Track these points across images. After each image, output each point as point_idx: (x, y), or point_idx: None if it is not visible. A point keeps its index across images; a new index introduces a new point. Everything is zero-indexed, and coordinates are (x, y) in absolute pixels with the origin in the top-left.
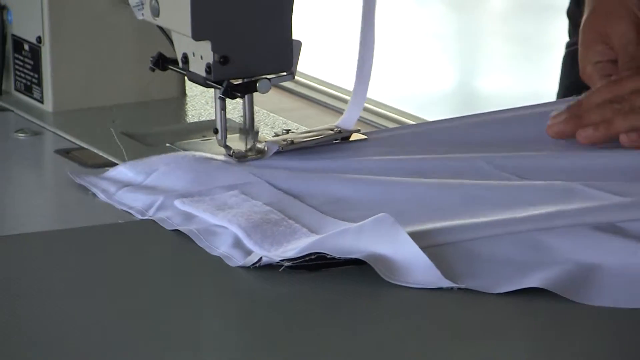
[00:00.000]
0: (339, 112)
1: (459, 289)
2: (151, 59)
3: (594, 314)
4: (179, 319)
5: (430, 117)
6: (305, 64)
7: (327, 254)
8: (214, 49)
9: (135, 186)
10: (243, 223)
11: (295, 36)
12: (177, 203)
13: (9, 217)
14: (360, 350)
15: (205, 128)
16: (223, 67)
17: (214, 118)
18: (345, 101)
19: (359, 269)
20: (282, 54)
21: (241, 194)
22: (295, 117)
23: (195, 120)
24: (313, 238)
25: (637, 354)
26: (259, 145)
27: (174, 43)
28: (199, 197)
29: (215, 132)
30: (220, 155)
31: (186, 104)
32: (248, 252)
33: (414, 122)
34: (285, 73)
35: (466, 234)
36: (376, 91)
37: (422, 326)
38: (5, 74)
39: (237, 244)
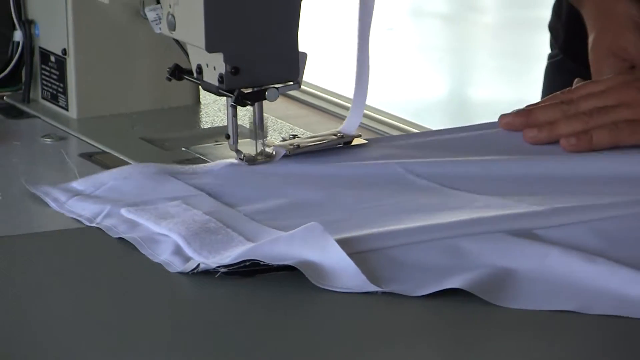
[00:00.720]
0: (342, 118)
1: (384, 292)
2: (168, 69)
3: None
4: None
5: (425, 123)
6: (310, 74)
7: (260, 261)
8: (226, 61)
9: (84, 195)
10: (183, 231)
11: (300, 48)
12: (123, 211)
13: (35, 216)
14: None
15: (218, 133)
16: (234, 77)
17: (226, 124)
18: (347, 108)
19: (290, 275)
20: (289, 65)
21: (183, 204)
22: (301, 123)
23: (209, 126)
24: (248, 246)
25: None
26: (268, 150)
27: (189, 55)
28: (143, 207)
29: (227, 137)
30: (171, 165)
31: (200, 111)
32: (188, 259)
33: (409, 128)
34: (292, 83)
35: (390, 241)
36: (375, 99)
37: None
38: (33, 83)
39: (178, 251)
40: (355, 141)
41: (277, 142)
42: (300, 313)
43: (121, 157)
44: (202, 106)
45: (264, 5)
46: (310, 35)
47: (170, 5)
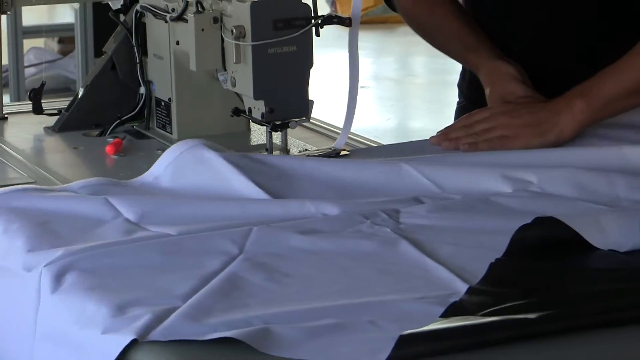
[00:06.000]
0: (334, 138)
1: None
2: (231, 110)
3: None
4: None
5: (383, 142)
6: (316, 112)
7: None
8: (265, 104)
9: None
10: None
11: (310, 97)
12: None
13: None
14: None
15: (261, 148)
16: (271, 114)
17: (266, 142)
18: (337, 133)
19: None
20: (303, 107)
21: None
22: (310, 142)
23: (256, 144)
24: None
25: None
26: None
27: (244, 101)
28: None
29: (266, 150)
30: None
31: (250, 134)
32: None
33: (373, 144)
34: (304, 118)
35: None
36: (354, 127)
37: None
38: (151, 118)
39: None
40: (343, 153)
41: (295, 153)
42: None
43: None
44: (251, 132)
45: (287, 73)
46: (316, 87)
47: (232, 72)
